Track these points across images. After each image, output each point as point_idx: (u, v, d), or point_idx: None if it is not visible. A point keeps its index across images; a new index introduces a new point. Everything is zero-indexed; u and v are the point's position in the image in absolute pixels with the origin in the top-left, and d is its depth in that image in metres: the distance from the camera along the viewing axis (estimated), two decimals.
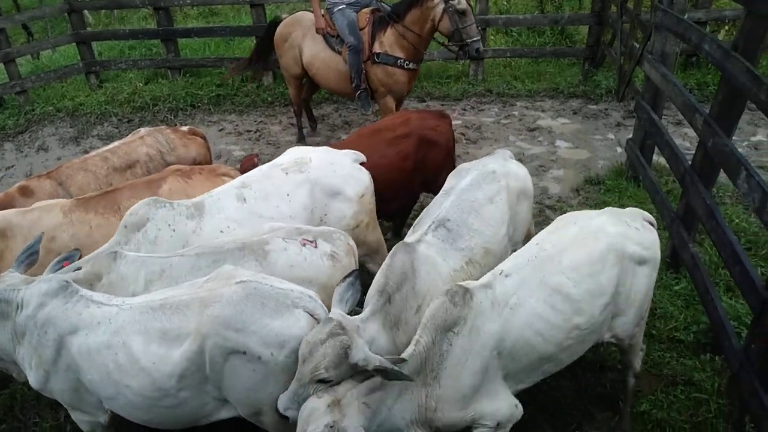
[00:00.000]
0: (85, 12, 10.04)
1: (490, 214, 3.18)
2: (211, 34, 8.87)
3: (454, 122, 7.25)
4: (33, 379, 2.62)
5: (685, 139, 6.44)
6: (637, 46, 6.62)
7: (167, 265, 2.86)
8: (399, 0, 5.78)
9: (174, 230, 3.22)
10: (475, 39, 5.45)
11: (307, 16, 6.22)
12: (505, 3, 10.14)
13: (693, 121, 3.84)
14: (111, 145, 4.51)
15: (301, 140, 7.02)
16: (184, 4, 9.16)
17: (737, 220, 4.78)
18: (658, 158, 5.45)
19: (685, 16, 4.58)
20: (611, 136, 6.78)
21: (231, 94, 8.34)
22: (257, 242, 2.93)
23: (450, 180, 3.44)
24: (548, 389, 3.52)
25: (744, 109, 3.67)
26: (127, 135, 4.82)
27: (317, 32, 6.03)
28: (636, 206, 5.15)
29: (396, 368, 2.29)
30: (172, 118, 7.84)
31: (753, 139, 6.42)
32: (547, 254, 2.76)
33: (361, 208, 3.60)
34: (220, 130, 7.56)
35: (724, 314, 3.30)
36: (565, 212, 5.28)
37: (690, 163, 4.01)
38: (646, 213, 3.08)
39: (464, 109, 7.66)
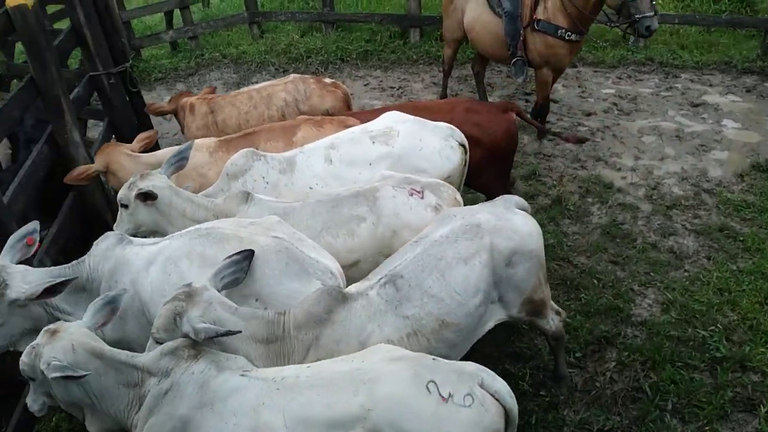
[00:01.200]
0: None
1: (459, 279, 2.60)
2: None
3: (606, 90, 6.87)
4: (110, 332, 2.69)
5: None
6: None
7: (290, 209, 3.06)
8: None
9: (267, 182, 3.43)
10: (646, 15, 4.75)
11: None
12: None
13: None
14: (260, 85, 4.88)
15: None
16: None
17: None
18: None
19: None
20: None
21: (378, 50, 8.49)
22: (370, 189, 3.08)
23: (429, 226, 2.85)
24: (681, 380, 3.35)
25: None
26: None
27: None
28: None
29: (226, 331, 2.12)
30: (323, 70, 8.17)
31: None
32: (292, 382, 2.07)
33: None
34: (365, 85, 7.77)
35: None
36: (724, 199, 4.86)
37: None
38: (477, 371, 2.11)
39: (619, 78, 7.17)
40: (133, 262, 2.72)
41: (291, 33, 9.01)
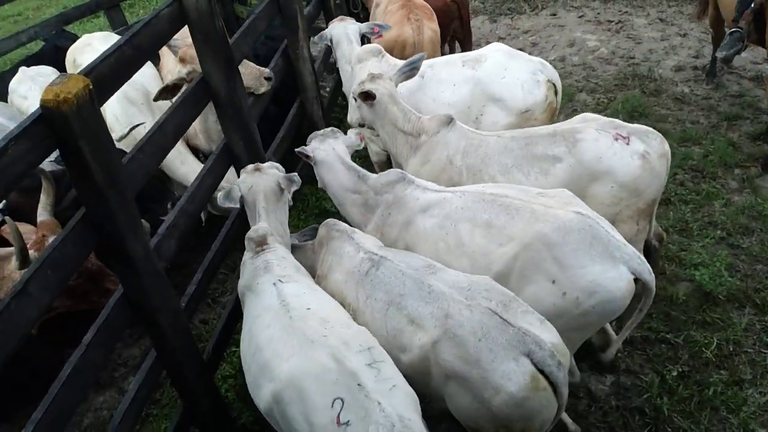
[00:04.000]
0: None
1: (395, 323, 2.33)
2: None
3: None
4: None
5: None
6: None
7: (485, 142, 3.08)
8: None
9: None
10: None
11: None
12: None
13: None
14: None
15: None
16: None
17: None
18: None
19: None
20: None
21: None
22: (569, 130, 2.94)
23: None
24: None
25: None
26: None
27: None
28: None
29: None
30: None
31: None
32: (283, 314, 2.24)
33: (519, 122, 3.50)
34: (579, 17, 7.32)
35: None
36: None
37: None
38: (389, 418, 1.82)
39: None
40: (410, 204, 2.79)
41: None
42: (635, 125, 3.00)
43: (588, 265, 2.31)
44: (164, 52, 4.98)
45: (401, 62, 3.68)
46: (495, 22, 7.60)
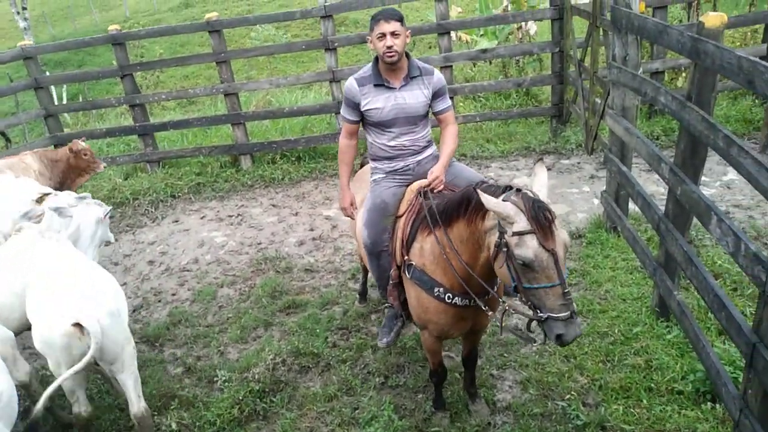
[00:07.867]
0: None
1: None
2: (188, 125, 9.03)
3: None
4: None
5: (659, 185, 6.57)
6: (599, 101, 6.85)
7: None
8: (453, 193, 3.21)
9: None
10: (555, 315, 2.55)
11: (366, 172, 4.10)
12: (470, 71, 10.53)
13: (659, 171, 3.94)
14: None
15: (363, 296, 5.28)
16: (160, 99, 9.41)
17: (719, 262, 4.82)
18: (635, 206, 5.53)
19: (640, 70, 4.79)
20: (586, 188, 6.91)
21: (211, 181, 8.43)
22: None
23: None
24: None
25: (707, 154, 3.78)
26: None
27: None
28: (618, 256, 5.29)
29: None
30: (153, 210, 7.88)
31: (725, 178, 6.58)
32: None
33: None
34: (201, 218, 7.58)
35: (717, 360, 3.26)
36: None
37: (663, 211, 4.07)
38: None
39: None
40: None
41: (113, 177, 8.66)
42: None
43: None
44: None
45: None
46: (117, 241, 7.26)
